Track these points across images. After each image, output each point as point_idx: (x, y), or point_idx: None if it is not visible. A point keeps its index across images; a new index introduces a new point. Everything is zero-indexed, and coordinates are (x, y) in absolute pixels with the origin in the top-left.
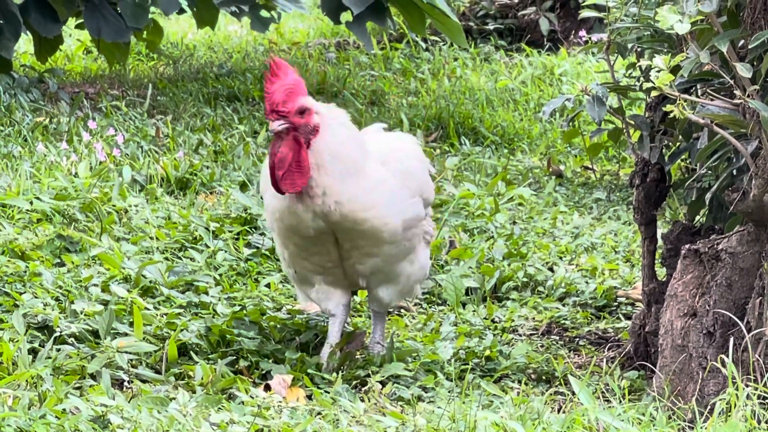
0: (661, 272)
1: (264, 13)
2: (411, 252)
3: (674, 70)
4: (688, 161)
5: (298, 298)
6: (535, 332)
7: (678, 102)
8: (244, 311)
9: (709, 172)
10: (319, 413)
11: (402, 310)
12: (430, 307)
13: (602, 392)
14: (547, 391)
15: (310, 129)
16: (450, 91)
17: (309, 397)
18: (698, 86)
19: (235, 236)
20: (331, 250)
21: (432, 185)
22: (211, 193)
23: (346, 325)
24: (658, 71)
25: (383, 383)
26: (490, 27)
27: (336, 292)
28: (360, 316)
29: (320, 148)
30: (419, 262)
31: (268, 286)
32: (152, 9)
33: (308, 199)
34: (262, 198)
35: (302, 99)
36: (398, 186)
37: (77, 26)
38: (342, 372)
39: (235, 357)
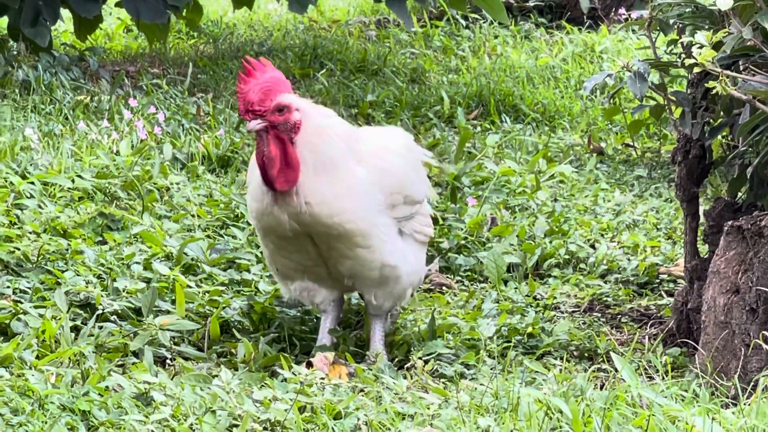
0: (703, 249)
1: None
2: (385, 254)
3: (716, 46)
4: (729, 138)
5: (282, 293)
6: (577, 309)
7: (720, 78)
8: None
9: (750, 149)
10: (361, 390)
11: (444, 287)
12: (471, 285)
13: (645, 369)
14: (589, 368)
15: (291, 126)
16: (490, 68)
17: (351, 375)
18: (740, 62)
19: None
20: (309, 249)
21: (420, 183)
22: None
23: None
24: (700, 47)
25: (425, 360)
26: (531, 4)
27: (322, 289)
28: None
29: (300, 145)
30: (410, 264)
31: None
32: None
33: (282, 198)
34: None
35: (280, 96)
36: (374, 186)
37: (117, 4)
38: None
39: (277, 334)
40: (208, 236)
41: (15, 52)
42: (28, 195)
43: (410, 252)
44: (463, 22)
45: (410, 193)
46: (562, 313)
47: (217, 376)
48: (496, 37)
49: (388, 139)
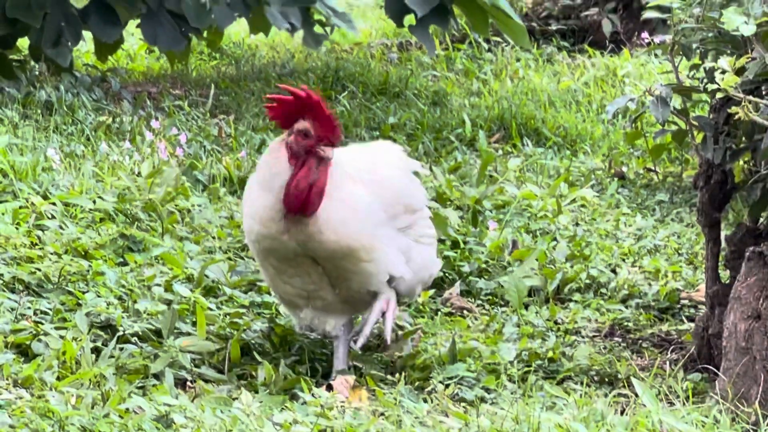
0: (724, 275)
1: (318, 28)
2: (400, 262)
3: (739, 71)
4: (751, 163)
5: (293, 323)
6: (597, 334)
7: (743, 103)
8: None
9: None
10: (382, 414)
11: (464, 311)
12: (492, 309)
13: (665, 394)
14: (610, 393)
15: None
16: (512, 92)
17: (371, 396)
18: (763, 87)
19: None
20: (311, 272)
21: (417, 191)
22: None
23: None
24: (723, 72)
25: (446, 384)
26: (553, 28)
27: (329, 317)
28: (422, 316)
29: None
30: (416, 265)
31: None
32: None
33: (295, 224)
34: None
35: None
36: (373, 202)
37: (138, 26)
38: (404, 373)
39: (297, 357)
40: (229, 258)
41: (37, 73)
42: (50, 216)
43: (414, 255)
44: (486, 45)
45: (409, 203)
46: (583, 337)
47: (237, 398)
48: (518, 60)
49: (379, 153)
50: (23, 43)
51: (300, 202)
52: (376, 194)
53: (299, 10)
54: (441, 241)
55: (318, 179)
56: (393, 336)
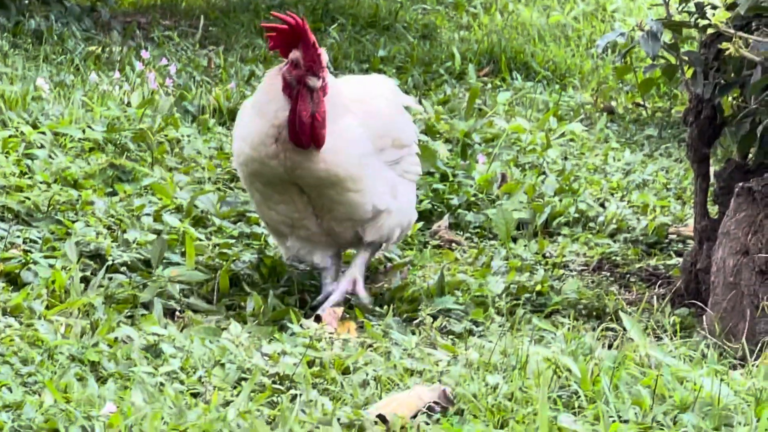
0: (713, 210)
1: None
2: (380, 189)
3: (730, 7)
4: (740, 98)
5: (282, 253)
6: (585, 268)
7: (734, 39)
8: None
9: (761, 108)
10: (370, 346)
11: (453, 244)
12: (481, 242)
13: (653, 329)
14: (598, 326)
15: (325, 86)
16: (502, 26)
17: (360, 328)
18: (753, 23)
19: None
20: (296, 199)
21: (407, 126)
22: None
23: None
24: (714, 8)
25: (434, 317)
26: None
27: (316, 249)
28: (411, 248)
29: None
30: (400, 202)
31: None
32: None
33: (286, 151)
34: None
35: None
36: (363, 133)
37: None
38: (393, 305)
39: (286, 288)
40: (219, 189)
41: (26, 2)
42: (39, 145)
43: (400, 191)
44: None
45: (398, 136)
46: (571, 271)
47: (226, 329)
48: None
49: (371, 85)
50: None
51: (307, 136)
52: (366, 125)
53: None
54: (430, 173)
55: (318, 110)
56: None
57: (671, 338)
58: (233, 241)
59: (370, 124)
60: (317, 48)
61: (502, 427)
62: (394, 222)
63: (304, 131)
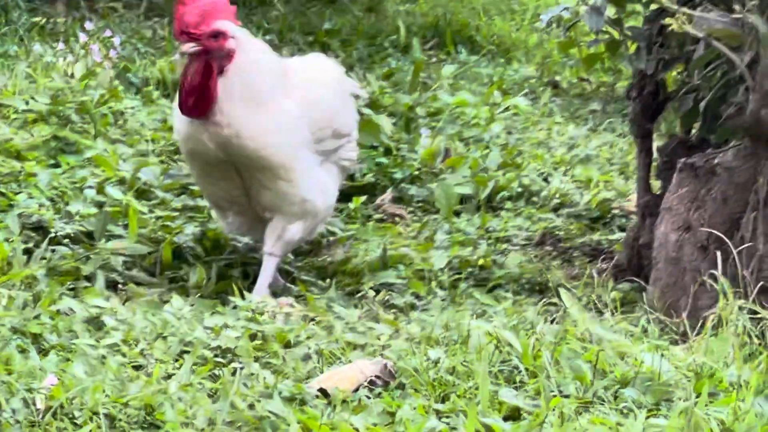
0: (655, 185)
1: None
2: (305, 189)
3: None
4: (684, 74)
5: (222, 227)
6: (528, 242)
7: (677, 15)
8: None
9: (705, 84)
10: (312, 319)
11: (396, 218)
12: (424, 216)
13: (594, 304)
14: (540, 301)
15: (224, 54)
16: None
17: (302, 302)
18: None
19: None
20: (235, 178)
21: (349, 116)
22: None
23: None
24: None
25: (377, 290)
26: None
27: (254, 226)
28: (354, 222)
29: (232, 75)
30: (328, 196)
31: None
32: None
33: (212, 126)
34: None
35: (218, 22)
36: (301, 121)
37: None
38: (335, 279)
39: (229, 261)
40: (162, 161)
41: None
42: None
43: (330, 182)
44: None
45: (338, 127)
46: (514, 246)
47: (168, 302)
48: None
49: (318, 71)
50: None
51: (188, 103)
52: (306, 114)
53: None
54: (374, 147)
55: (191, 78)
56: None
57: (612, 313)
58: (176, 213)
59: (311, 113)
60: (188, 13)
61: (443, 401)
62: (321, 218)
63: (183, 100)
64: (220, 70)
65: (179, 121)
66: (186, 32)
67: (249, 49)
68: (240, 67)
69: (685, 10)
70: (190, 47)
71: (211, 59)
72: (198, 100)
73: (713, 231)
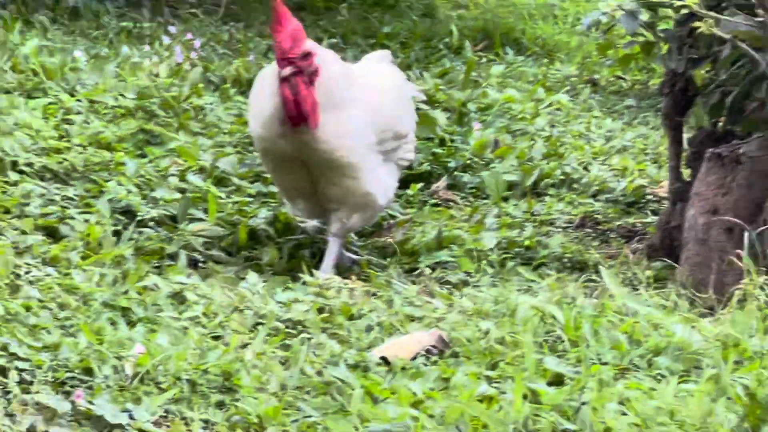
0: (685, 173)
1: None
2: (369, 185)
3: None
4: (711, 72)
5: (289, 211)
6: (570, 225)
7: (705, 19)
8: None
9: (731, 80)
10: (374, 294)
11: (450, 203)
12: (475, 201)
13: (630, 281)
14: (580, 278)
15: (312, 71)
16: (496, 4)
17: (366, 280)
18: (723, 3)
19: None
20: (304, 173)
21: (408, 116)
22: None
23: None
24: None
25: (432, 268)
26: None
27: (321, 211)
28: (412, 207)
29: (318, 87)
30: (388, 191)
31: None
32: None
33: (292, 131)
34: None
35: (306, 43)
36: (367, 126)
37: None
38: (395, 258)
39: (299, 242)
40: (238, 152)
41: None
42: (76, 111)
43: (390, 180)
44: None
45: (398, 130)
46: (557, 228)
47: (244, 278)
48: None
49: (381, 78)
50: None
51: (295, 116)
52: (371, 119)
53: None
54: (430, 139)
55: (298, 93)
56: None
57: (646, 289)
58: (251, 199)
59: (375, 119)
60: (283, 40)
61: (493, 369)
62: (379, 210)
63: (290, 112)
64: (310, 84)
65: (255, 122)
66: (286, 58)
67: (329, 64)
68: (323, 80)
69: (712, 14)
70: (289, 70)
71: (304, 76)
72: (299, 112)
73: (737, 216)
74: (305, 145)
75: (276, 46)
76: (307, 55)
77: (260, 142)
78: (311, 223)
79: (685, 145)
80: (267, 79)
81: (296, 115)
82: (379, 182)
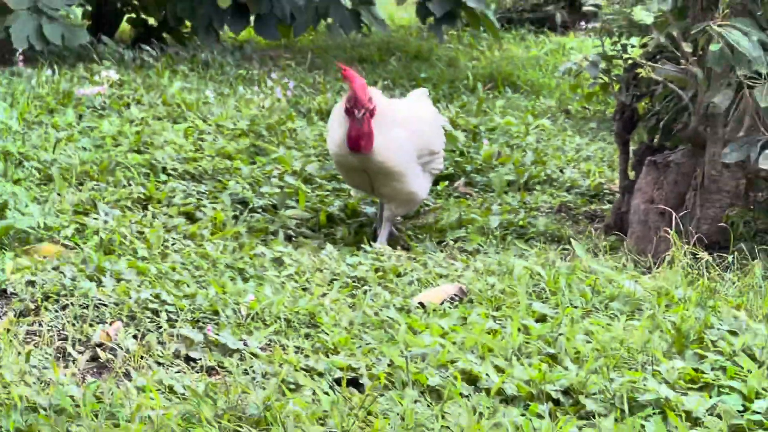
0: (631, 174)
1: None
2: (413, 186)
3: (642, 46)
4: (650, 104)
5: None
6: (551, 210)
7: (645, 66)
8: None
9: (663, 110)
10: (414, 259)
11: (467, 195)
12: (485, 194)
13: (593, 249)
14: (558, 248)
15: (372, 110)
16: (499, 58)
17: (407, 249)
18: (658, 56)
19: None
20: (365, 177)
21: (439, 139)
22: None
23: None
24: (633, 47)
25: (455, 241)
26: (526, 17)
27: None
28: (440, 198)
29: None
30: (423, 190)
31: None
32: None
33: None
34: None
35: (370, 90)
36: (410, 144)
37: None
38: (429, 234)
39: (361, 223)
40: (320, 160)
41: (198, 42)
42: (207, 132)
43: (426, 183)
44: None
45: (432, 148)
46: (542, 212)
47: (324, 248)
48: (502, 38)
49: (419, 110)
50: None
51: (356, 146)
52: (412, 139)
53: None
54: (453, 150)
55: (361, 129)
56: (422, 210)
57: (604, 255)
58: (328, 193)
59: (414, 139)
60: (357, 92)
61: (497, 310)
62: (418, 202)
63: (352, 142)
64: (370, 118)
65: (331, 143)
66: (363, 105)
67: (380, 103)
68: (376, 115)
69: (650, 63)
70: (362, 114)
71: (368, 115)
72: (367, 142)
73: (662, 208)
74: (367, 159)
75: (354, 97)
76: (371, 99)
77: (335, 156)
78: (371, 210)
79: (630, 154)
80: (337, 112)
81: (355, 147)
82: (418, 184)
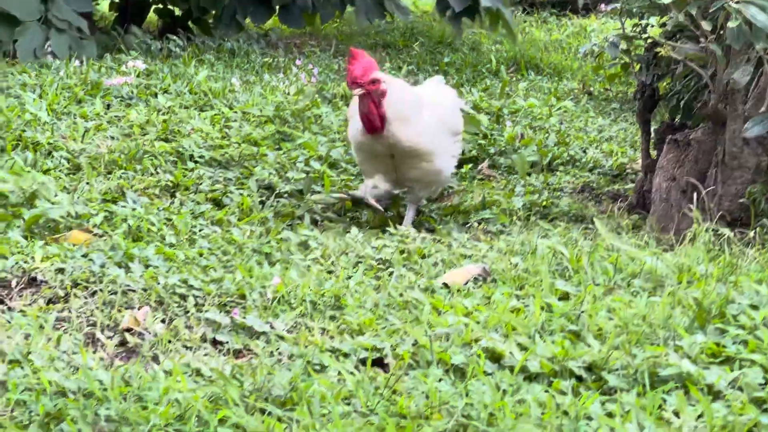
0: (653, 153)
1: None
2: (440, 165)
3: (662, 25)
4: (670, 83)
5: (361, 188)
6: (574, 191)
7: (664, 45)
8: None
9: (683, 89)
10: (439, 241)
11: (490, 177)
12: (508, 175)
13: (615, 228)
14: (581, 227)
15: (380, 93)
16: (522, 41)
17: (432, 231)
18: (677, 35)
19: None
20: (387, 162)
21: (459, 122)
22: None
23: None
24: (653, 26)
25: (479, 222)
26: (548, 1)
27: (391, 186)
28: (464, 180)
29: (388, 106)
30: (450, 171)
31: None
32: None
33: (379, 137)
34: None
35: (374, 73)
36: (435, 126)
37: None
38: (453, 215)
39: (387, 206)
40: (344, 145)
41: (223, 32)
42: (234, 120)
43: (450, 164)
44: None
45: (455, 130)
46: (565, 193)
47: (349, 232)
48: (525, 21)
49: (441, 95)
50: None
51: (371, 128)
52: (437, 121)
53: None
54: (476, 133)
55: (369, 111)
56: (447, 193)
57: (627, 233)
58: (353, 177)
59: (440, 120)
60: (355, 69)
61: (520, 289)
62: (443, 184)
63: (365, 123)
64: (380, 103)
65: (353, 129)
66: (355, 82)
67: (395, 89)
68: (390, 99)
69: (670, 42)
70: (357, 90)
71: (374, 97)
72: (372, 123)
73: (690, 180)
74: (391, 145)
75: (348, 74)
76: (374, 82)
77: (359, 145)
78: (359, 193)
79: (652, 134)
80: (356, 99)
81: (369, 127)
82: (445, 163)
